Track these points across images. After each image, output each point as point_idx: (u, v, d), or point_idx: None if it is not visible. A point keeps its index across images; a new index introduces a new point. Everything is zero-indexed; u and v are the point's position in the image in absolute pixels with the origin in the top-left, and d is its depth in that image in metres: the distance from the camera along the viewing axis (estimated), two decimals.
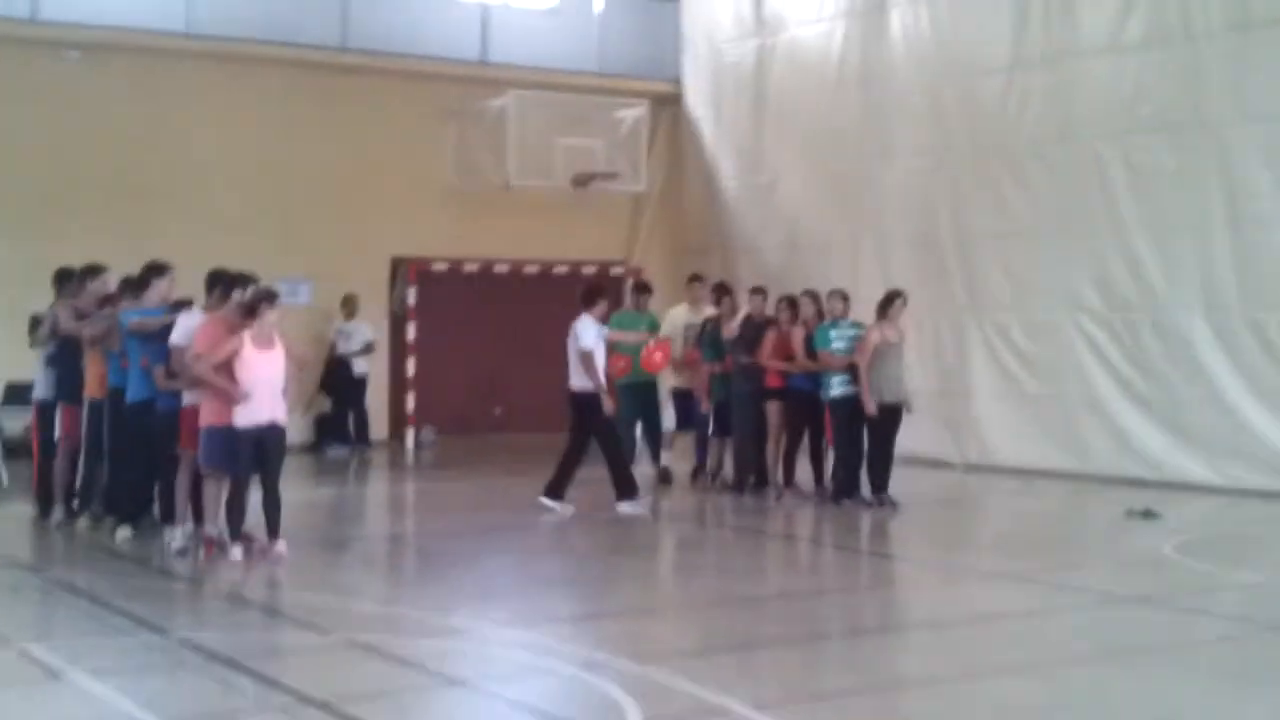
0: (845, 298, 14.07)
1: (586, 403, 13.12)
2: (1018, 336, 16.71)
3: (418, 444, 20.05)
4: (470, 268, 20.61)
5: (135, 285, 12.20)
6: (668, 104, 21.67)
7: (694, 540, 12.88)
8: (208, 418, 10.90)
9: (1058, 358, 16.24)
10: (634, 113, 20.84)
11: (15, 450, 16.51)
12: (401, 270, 20.36)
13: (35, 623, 8.70)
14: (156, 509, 12.17)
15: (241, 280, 11.26)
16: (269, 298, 10.91)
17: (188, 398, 11.29)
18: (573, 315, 13.33)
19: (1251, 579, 10.30)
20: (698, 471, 15.28)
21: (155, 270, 12.06)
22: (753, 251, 20.21)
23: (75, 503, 12.67)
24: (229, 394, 10.66)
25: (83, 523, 12.40)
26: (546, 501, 13.20)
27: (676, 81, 21.78)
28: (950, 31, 17.47)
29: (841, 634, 8.50)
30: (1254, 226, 14.50)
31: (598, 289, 13.68)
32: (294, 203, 19.36)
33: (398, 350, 20.22)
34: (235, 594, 9.74)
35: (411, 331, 20.18)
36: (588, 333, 13.16)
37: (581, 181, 20.31)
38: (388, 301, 20.35)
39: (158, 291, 11.99)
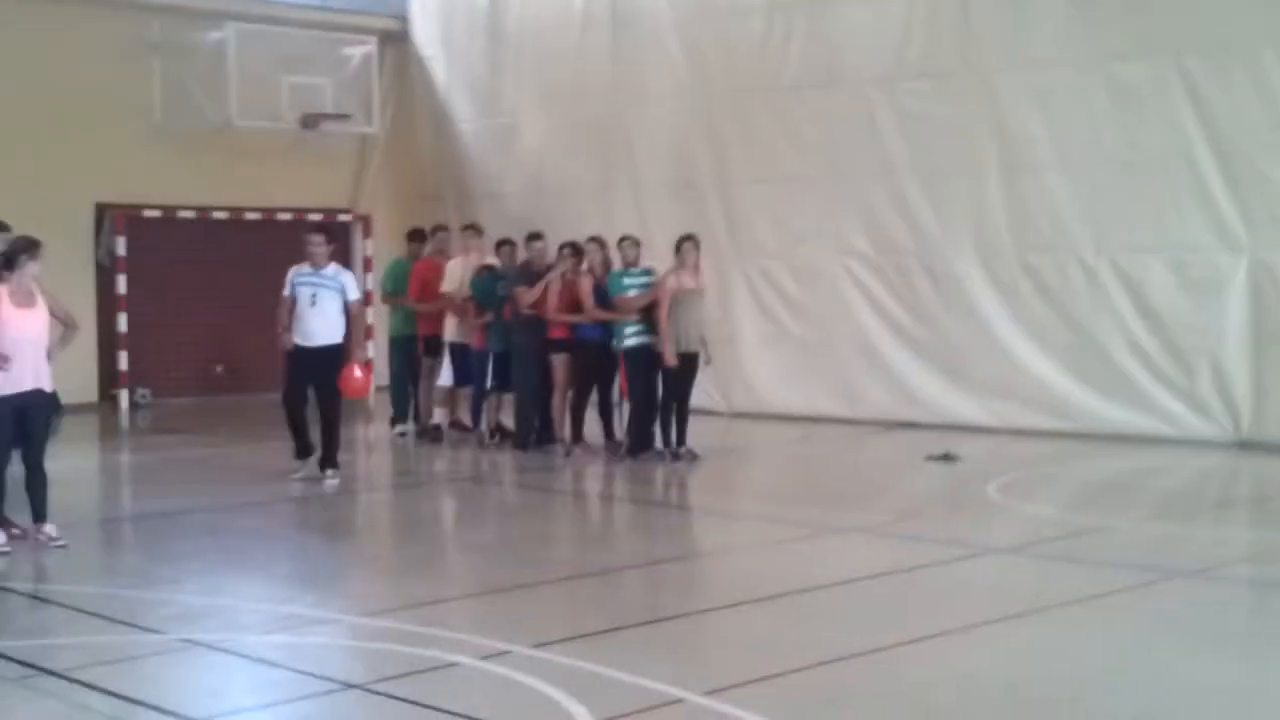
0: (638, 244, 13.41)
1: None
2: (785, 282, 16.45)
3: (133, 405, 18.39)
4: (185, 214, 18.92)
5: None
6: (394, 41, 20.42)
7: (508, 506, 11.94)
8: None
9: (827, 303, 16.06)
10: (362, 50, 19.58)
11: None
12: (108, 218, 18.51)
13: None
14: None
15: None
16: (29, 248, 9.41)
17: None
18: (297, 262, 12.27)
19: (1103, 523, 10.18)
20: (474, 428, 14.41)
21: None
22: (492, 197, 19.27)
23: None
24: None
25: None
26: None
27: (403, 18, 20.53)
28: None
29: (729, 604, 7.81)
30: (1026, 171, 14.58)
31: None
32: None
33: (106, 305, 18.39)
34: (22, 591, 8.31)
35: (121, 285, 18.39)
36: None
37: (310, 123, 18.92)
38: (93, 251, 18.48)
39: None
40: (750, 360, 16.62)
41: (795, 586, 8.01)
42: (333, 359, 11.97)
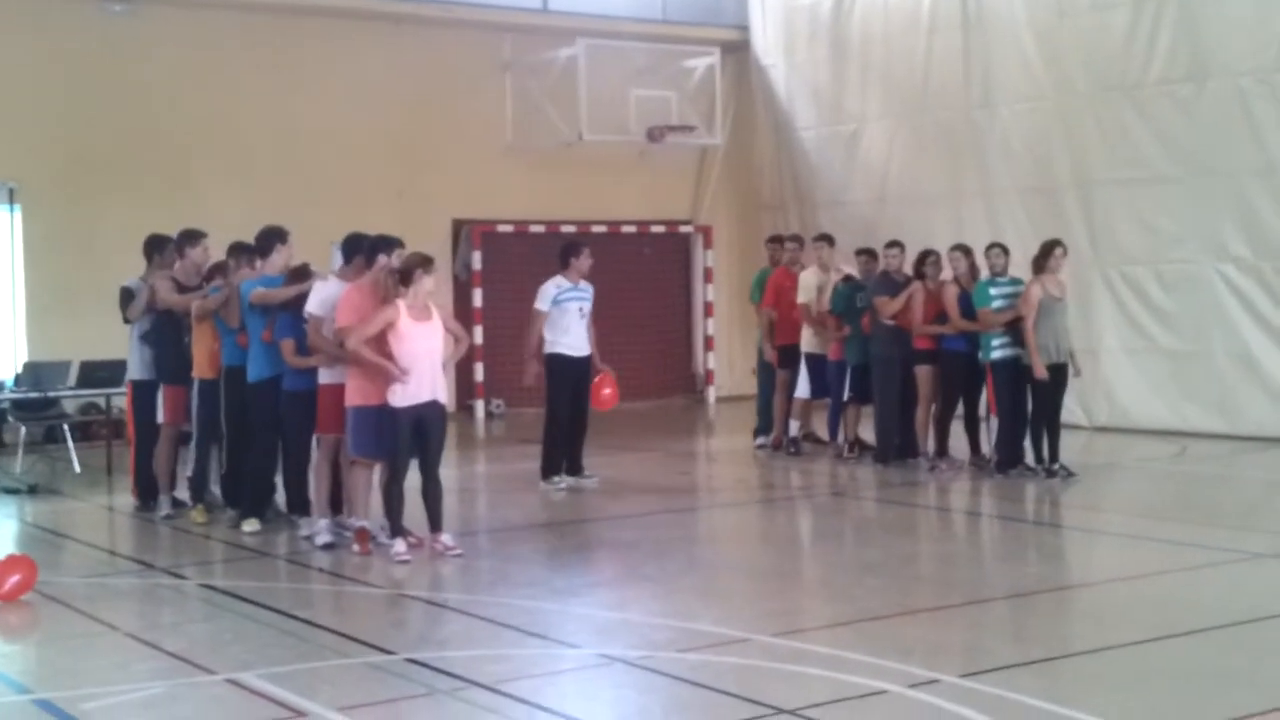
0: (1006, 251, 12.95)
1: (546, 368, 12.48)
2: (1151, 289, 15.66)
3: (488, 415, 18.98)
4: (536, 229, 19.37)
5: (251, 252, 10.96)
6: (734, 51, 20.44)
7: (883, 523, 11.61)
8: (355, 398, 9.70)
9: (1200, 311, 15.21)
10: (705, 61, 19.66)
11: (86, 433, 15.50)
12: (464, 233, 19.11)
13: (228, 644, 7.46)
14: (281, 499, 11.02)
15: (386, 244, 10.03)
16: (425, 263, 9.68)
17: (324, 376, 10.10)
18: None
19: None
20: (831, 441, 14.24)
21: (276, 235, 10.83)
22: (836, 205, 19.07)
23: (177, 492, 11.50)
24: (387, 371, 9.44)
25: (195, 515, 11.17)
26: (545, 484, 12.50)
27: (744, 28, 20.54)
28: None
29: (1164, 635, 7.33)
30: None
31: (570, 247, 12.75)
32: (353, 168, 18.06)
33: (462, 318, 18.84)
34: (439, 602, 8.50)
35: (477, 298, 18.95)
36: (544, 294, 12.43)
37: (656, 136, 19.09)
38: (450, 266, 19.10)
39: (280, 258, 10.76)
40: (1113, 372, 15.89)
41: (1239, 617, 7.48)
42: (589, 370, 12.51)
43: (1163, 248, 15.53)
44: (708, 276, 20.73)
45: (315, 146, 17.88)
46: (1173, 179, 15.34)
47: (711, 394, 20.67)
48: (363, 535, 9.85)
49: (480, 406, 19.00)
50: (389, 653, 7.15)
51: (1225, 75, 14.86)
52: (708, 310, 20.78)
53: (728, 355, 20.67)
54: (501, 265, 19.08)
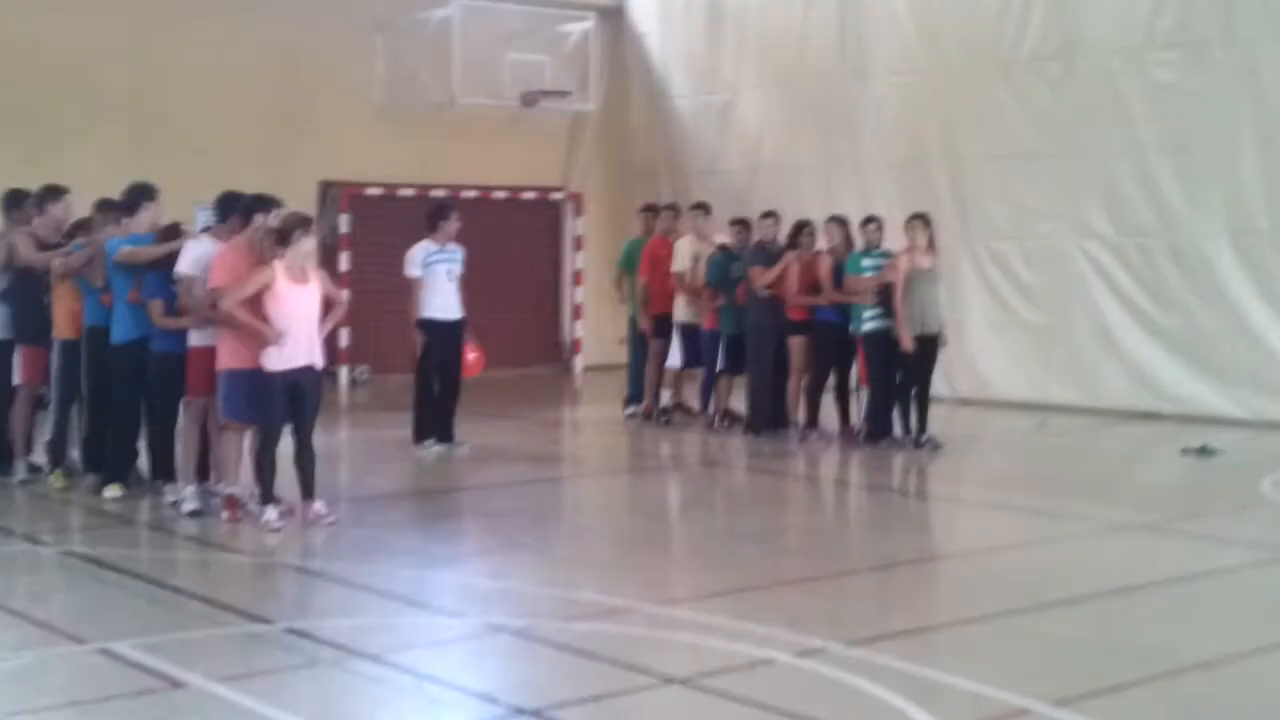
0: (881, 226, 13.07)
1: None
2: (1017, 264, 15.95)
3: (352, 383, 18.68)
4: (406, 192, 19.07)
5: (118, 209, 10.60)
6: (610, 17, 20.27)
7: (759, 492, 11.70)
8: (228, 361, 9.45)
9: (1063, 286, 15.53)
10: (580, 26, 19.49)
11: None
12: (331, 195, 18.74)
13: (96, 613, 7.22)
14: (145, 464, 10.70)
15: (263, 204, 9.78)
16: (305, 224, 9.48)
17: (195, 338, 9.82)
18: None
19: None
20: (702, 412, 14.27)
21: (144, 192, 10.49)
22: (709, 174, 19.07)
23: (34, 456, 11.12)
24: (262, 334, 9.20)
25: (54, 480, 10.81)
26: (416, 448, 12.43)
27: None
28: None
29: (1038, 605, 7.47)
30: None
31: (439, 209, 12.75)
32: (220, 127, 17.57)
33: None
34: (315, 570, 8.33)
35: (344, 262, 18.61)
36: (412, 258, 12.40)
37: (530, 101, 18.89)
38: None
39: (147, 216, 10.43)
40: (977, 345, 16.13)
41: (1105, 587, 7.67)
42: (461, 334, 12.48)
43: (1029, 223, 15.81)
44: (578, 244, 20.62)
45: (180, 104, 17.32)
46: (1041, 155, 15.60)
47: (579, 363, 20.60)
48: (232, 502, 9.61)
49: (345, 373, 18.68)
50: (267, 622, 6.99)
51: (1094, 54, 15.14)
52: (577, 279, 20.68)
53: (596, 324, 20.58)
54: (369, 229, 18.73)
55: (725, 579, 8.04)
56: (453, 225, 12.51)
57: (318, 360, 9.47)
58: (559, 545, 9.11)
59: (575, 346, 20.66)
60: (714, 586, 7.90)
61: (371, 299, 18.51)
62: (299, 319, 9.30)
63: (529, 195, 20.24)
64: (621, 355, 15.91)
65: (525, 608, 7.31)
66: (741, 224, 14.01)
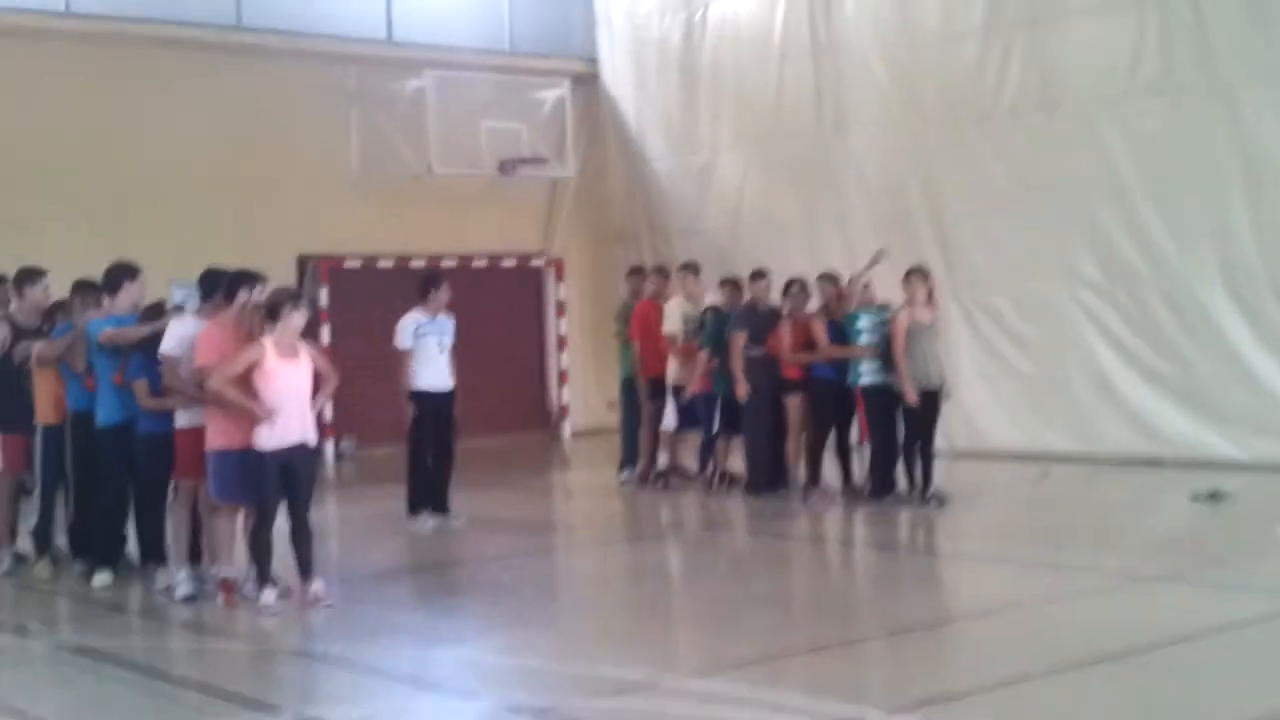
0: (867, 285, 12.93)
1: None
2: (1007, 315, 15.82)
3: (338, 456, 18.36)
4: (384, 264, 18.87)
5: (98, 290, 10.34)
6: (584, 83, 20.21)
7: (766, 556, 11.41)
8: (217, 440, 9.18)
9: (1055, 335, 15.39)
10: (555, 93, 19.39)
11: None
12: (310, 268, 18.52)
13: (94, 709, 6.89)
14: (134, 549, 10.38)
15: (247, 279, 9.54)
16: (294, 299, 9.25)
17: (182, 418, 9.55)
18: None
19: None
20: (700, 474, 14.03)
21: (125, 272, 10.24)
22: (689, 234, 18.92)
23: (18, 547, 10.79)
24: (252, 413, 8.94)
25: (39, 569, 10.48)
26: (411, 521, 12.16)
27: (592, 59, 20.36)
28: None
29: (1074, 664, 7.21)
30: (1273, 186, 13.81)
31: (429, 279, 12.58)
32: (195, 202, 17.35)
33: None
34: (319, 654, 8.00)
35: (325, 336, 18.36)
36: (403, 330, 12.16)
37: (508, 169, 18.76)
38: None
39: (129, 296, 10.18)
40: (971, 398, 15.92)
41: (1138, 643, 7.40)
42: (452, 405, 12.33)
43: (1017, 274, 15.68)
44: (560, 310, 20.44)
45: (156, 181, 17.11)
46: (1026, 206, 15.51)
47: (567, 428, 20.35)
48: (228, 585, 9.31)
49: (331, 447, 18.37)
50: (273, 711, 6.68)
51: (1075, 103, 15.10)
52: (561, 344, 20.48)
53: (582, 389, 20.36)
54: (349, 301, 18.53)
55: (741, 648, 7.75)
56: (444, 295, 12.32)
57: (311, 437, 9.21)
58: (567, 617, 8.84)
59: (563, 412, 20.42)
60: (732, 656, 7.60)
61: (354, 371, 18.14)
62: (291, 395, 9.05)
63: (509, 262, 20.08)
64: (610, 419, 15.67)
65: (543, 685, 7.02)
66: (731, 284, 13.84)
